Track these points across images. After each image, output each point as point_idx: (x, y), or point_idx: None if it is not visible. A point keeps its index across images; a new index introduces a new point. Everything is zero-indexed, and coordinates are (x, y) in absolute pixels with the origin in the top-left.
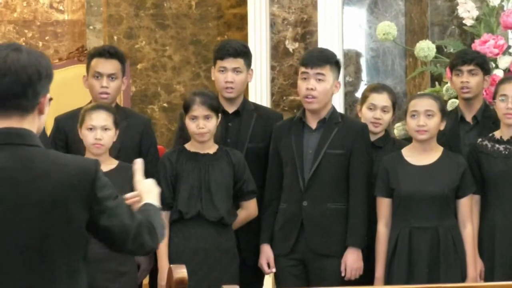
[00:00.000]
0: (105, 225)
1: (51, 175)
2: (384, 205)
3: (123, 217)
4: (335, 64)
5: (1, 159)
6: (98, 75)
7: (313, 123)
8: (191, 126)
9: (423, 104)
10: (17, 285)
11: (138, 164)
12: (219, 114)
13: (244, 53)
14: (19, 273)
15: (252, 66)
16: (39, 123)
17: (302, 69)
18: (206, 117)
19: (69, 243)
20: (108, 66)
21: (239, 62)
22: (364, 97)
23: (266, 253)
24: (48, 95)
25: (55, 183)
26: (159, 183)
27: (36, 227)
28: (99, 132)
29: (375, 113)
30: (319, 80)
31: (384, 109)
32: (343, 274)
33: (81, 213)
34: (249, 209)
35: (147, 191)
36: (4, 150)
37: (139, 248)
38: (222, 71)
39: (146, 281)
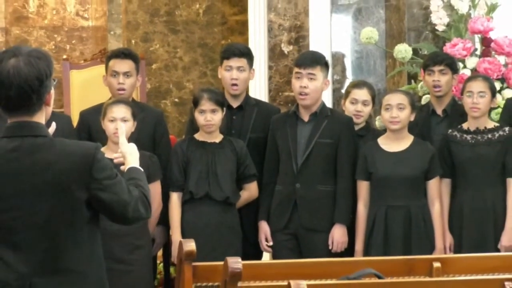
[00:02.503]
0: (106, 201)
1: (54, 162)
2: (363, 187)
3: (122, 194)
4: (325, 64)
5: (11, 149)
6: (115, 74)
7: (305, 116)
8: (199, 118)
9: (395, 99)
10: (33, 258)
11: (121, 129)
12: (224, 108)
13: (247, 54)
14: (33, 242)
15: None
16: (47, 112)
17: (296, 69)
18: (213, 111)
19: (71, 220)
20: (123, 65)
21: (242, 62)
22: (347, 92)
23: (264, 229)
24: (53, 82)
25: (59, 169)
26: (172, 168)
27: (48, 207)
28: (118, 123)
29: (356, 107)
30: (311, 79)
31: (364, 103)
32: (330, 247)
33: (80, 193)
34: (250, 190)
35: (129, 152)
36: (14, 141)
37: (136, 219)
38: (228, 69)
39: (160, 253)
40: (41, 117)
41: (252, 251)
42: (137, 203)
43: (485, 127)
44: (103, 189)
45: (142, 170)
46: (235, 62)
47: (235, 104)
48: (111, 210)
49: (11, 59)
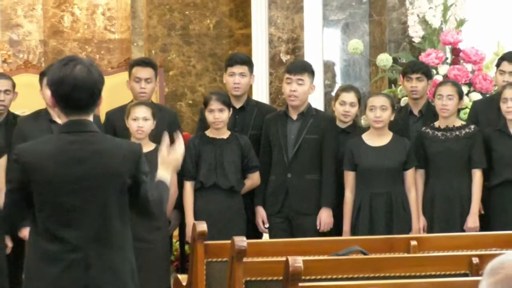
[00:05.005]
0: (136, 192)
1: (108, 153)
2: (350, 177)
3: (148, 190)
4: (311, 72)
5: (73, 142)
6: (138, 79)
7: (294, 115)
8: (209, 117)
9: (378, 101)
10: (89, 231)
11: (165, 136)
12: (230, 108)
13: (248, 62)
14: (90, 220)
15: (255, 73)
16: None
17: (287, 75)
18: (220, 110)
19: (119, 201)
20: (144, 72)
21: (244, 68)
22: (336, 95)
23: (260, 213)
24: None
25: (112, 159)
26: (185, 160)
27: (101, 192)
28: (141, 121)
29: (345, 107)
30: (299, 84)
31: (351, 104)
32: (318, 228)
33: (128, 180)
34: (253, 179)
35: (163, 162)
36: (75, 136)
37: (148, 215)
38: (232, 75)
39: (176, 233)
40: (91, 116)
41: (253, 230)
42: (154, 203)
43: (454, 125)
44: (142, 181)
45: (167, 184)
46: (237, 68)
47: (237, 105)
48: (138, 200)
49: (77, 66)
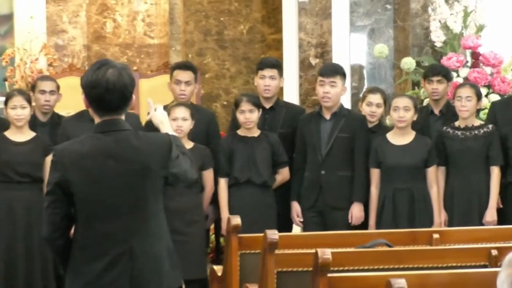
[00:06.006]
0: (177, 174)
1: (141, 149)
2: (375, 174)
3: (184, 165)
4: (343, 74)
5: (108, 141)
6: (178, 82)
7: (327, 115)
8: (240, 117)
9: (402, 102)
10: (129, 223)
11: (151, 103)
12: (260, 109)
13: (277, 65)
14: (129, 214)
15: (285, 75)
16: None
17: (320, 78)
18: (251, 111)
19: (154, 192)
20: (185, 75)
21: (274, 72)
22: (364, 96)
23: (295, 208)
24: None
25: (146, 154)
26: (220, 158)
27: (137, 185)
28: (180, 121)
29: (371, 108)
30: (332, 86)
31: (377, 105)
32: (349, 222)
33: (162, 171)
34: (283, 174)
35: (160, 121)
36: (109, 135)
37: (192, 179)
38: (262, 78)
39: (212, 226)
40: (123, 116)
41: (284, 223)
42: (191, 168)
43: (473, 125)
44: (175, 165)
45: (176, 135)
46: (267, 72)
47: (267, 105)
48: (178, 178)
49: (109, 70)
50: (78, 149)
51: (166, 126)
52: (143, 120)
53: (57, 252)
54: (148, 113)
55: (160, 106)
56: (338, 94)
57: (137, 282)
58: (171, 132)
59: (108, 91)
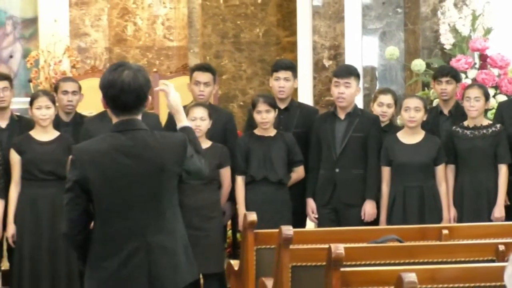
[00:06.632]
0: (191, 170)
1: (157, 147)
2: (386, 172)
3: (197, 163)
4: (357, 75)
5: (124, 140)
6: (197, 83)
7: (342, 115)
8: (257, 117)
9: (413, 102)
10: (145, 219)
11: (168, 87)
12: (276, 109)
13: (292, 67)
14: (145, 210)
15: (300, 77)
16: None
17: (335, 79)
18: (267, 111)
19: (169, 189)
20: (204, 76)
21: (288, 73)
22: (375, 97)
23: (311, 204)
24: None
25: (162, 153)
26: (236, 157)
27: (153, 183)
28: (198, 121)
29: (382, 108)
30: (346, 86)
31: (388, 106)
32: (362, 218)
33: (178, 169)
34: (298, 172)
35: (177, 110)
36: (126, 134)
37: (205, 174)
38: (277, 79)
39: (229, 222)
40: (140, 116)
41: (298, 219)
42: (202, 165)
43: (481, 124)
44: (189, 163)
45: (191, 126)
46: (282, 73)
47: (282, 106)
48: (191, 174)
49: (124, 71)
50: (96, 147)
51: (181, 115)
52: (163, 120)
53: (76, 247)
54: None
55: (172, 89)
56: (353, 94)
57: (154, 276)
58: (185, 121)
59: (123, 92)
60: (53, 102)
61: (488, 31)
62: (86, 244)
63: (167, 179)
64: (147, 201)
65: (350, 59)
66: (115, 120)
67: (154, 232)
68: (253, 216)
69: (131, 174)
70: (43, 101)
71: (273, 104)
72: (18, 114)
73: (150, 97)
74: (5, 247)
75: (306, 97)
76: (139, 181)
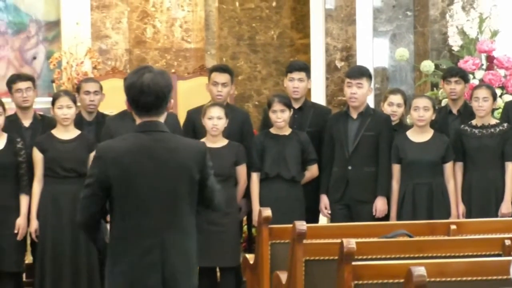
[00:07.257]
0: (207, 185)
1: (178, 150)
2: (396, 169)
3: (215, 185)
4: (369, 76)
5: (147, 140)
6: (215, 83)
7: (354, 115)
8: (272, 117)
9: (422, 102)
10: (162, 218)
11: None
12: (291, 109)
13: (305, 68)
14: (164, 211)
15: (313, 78)
16: (166, 115)
17: (347, 79)
18: (282, 111)
19: (190, 192)
20: (222, 77)
21: (302, 74)
22: (385, 97)
23: (324, 201)
24: (171, 100)
25: (182, 156)
26: (252, 155)
27: (172, 183)
28: (215, 120)
29: (392, 108)
30: (359, 87)
31: (398, 105)
32: (374, 214)
33: (197, 174)
34: (312, 170)
35: None
36: (148, 135)
37: (215, 207)
38: (291, 80)
39: (244, 218)
40: (163, 118)
41: (311, 215)
42: (219, 197)
43: (489, 123)
44: (208, 176)
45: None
46: (296, 74)
47: (296, 105)
48: (206, 193)
49: (145, 74)
50: (119, 146)
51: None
52: (181, 118)
53: (87, 232)
54: None
55: None
56: (365, 94)
57: (168, 272)
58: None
59: (143, 93)
60: (74, 101)
61: (494, 34)
62: (98, 228)
63: (187, 182)
64: (165, 201)
65: (361, 60)
66: (138, 121)
67: (170, 232)
68: (267, 212)
69: (151, 174)
70: (64, 101)
71: (288, 104)
72: (41, 113)
73: (172, 100)
74: (28, 241)
75: (319, 97)
76: (158, 182)
